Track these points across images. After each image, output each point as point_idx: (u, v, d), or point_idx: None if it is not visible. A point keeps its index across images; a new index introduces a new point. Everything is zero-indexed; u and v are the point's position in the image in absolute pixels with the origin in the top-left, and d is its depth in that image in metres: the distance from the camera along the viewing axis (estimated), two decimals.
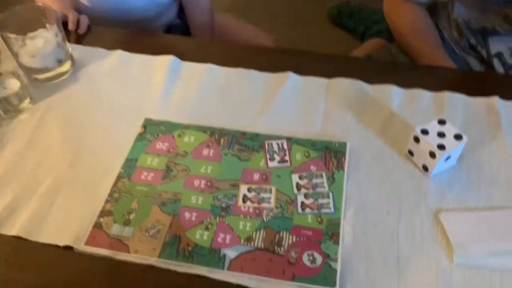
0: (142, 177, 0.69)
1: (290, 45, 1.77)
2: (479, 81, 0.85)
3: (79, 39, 0.92)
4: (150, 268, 0.60)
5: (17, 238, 0.63)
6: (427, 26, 1.03)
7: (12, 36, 0.78)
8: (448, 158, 0.66)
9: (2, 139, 0.75)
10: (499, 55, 0.98)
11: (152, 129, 0.75)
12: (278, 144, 0.73)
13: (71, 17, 0.93)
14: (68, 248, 0.61)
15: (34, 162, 0.72)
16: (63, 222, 0.64)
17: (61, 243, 0.61)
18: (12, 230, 0.63)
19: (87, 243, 0.61)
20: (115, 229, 0.63)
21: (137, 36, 0.95)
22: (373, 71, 0.85)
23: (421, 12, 1.02)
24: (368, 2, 1.81)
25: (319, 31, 1.86)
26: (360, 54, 1.28)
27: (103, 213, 0.65)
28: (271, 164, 0.70)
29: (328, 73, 0.84)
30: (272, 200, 0.66)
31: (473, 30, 0.98)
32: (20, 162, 0.72)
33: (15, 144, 0.74)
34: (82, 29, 0.93)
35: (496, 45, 0.96)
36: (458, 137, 0.65)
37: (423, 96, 0.79)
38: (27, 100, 0.80)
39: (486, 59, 0.99)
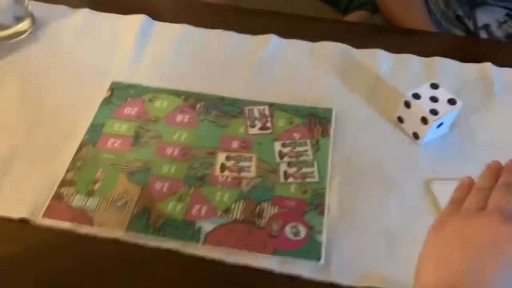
0: (109, 144, 0.62)
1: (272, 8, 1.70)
2: (469, 47, 0.81)
3: None
4: (117, 242, 0.54)
5: None
6: None
7: None
8: (440, 124, 0.62)
9: None
10: (486, 27, 0.94)
11: (120, 93, 0.68)
12: (259, 110, 0.67)
13: None
14: (25, 222, 0.55)
15: None
16: (19, 193, 0.57)
17: (16, 215, 0.55)
18: None
19: (46, 215, 0.55)
20: (77, 200, 0.56)
21: None
22: (360, 35, 0.80)
23: None
24: None
25: (300, 4, 1.79)
26: None
27: (64, 182, 0.58)
28: (251, 131, 0.65)
29: (313, 37, 0.78)
30: (253, 169, 0.60)
31: (460, 1, 0.93)
32: None
33: None
34: None
35: (483, 17, 0.93)
36: (452, 101, 0.61)
37: (413, 61, 0.75)
38: None
39: (472, 31, 0.95)
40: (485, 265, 0.36)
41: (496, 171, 0.43)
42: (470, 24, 0.94)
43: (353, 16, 1.57)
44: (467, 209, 0.41)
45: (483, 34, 0.94)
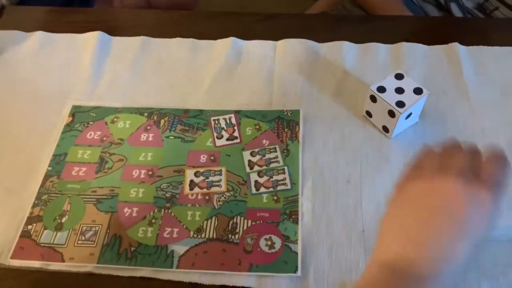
0: (73, 173, 0.60)
1: (237, 8, 1.66)
2: (436, 27, 0.79)
3: None
4: (89, 276, 0.52)
5: None
6: None
7: None
8: (409, 115, 0.60)
9: None
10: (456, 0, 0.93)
11: (81, 117, 0.66)
12: (225, 119, 0.65)
13: None
14: None
15: None
16: None
17: None
18: None
19: (14, 256, 0.54)
20: (45, 236, 0.55)
21: (59, 13, 0.84)
22: (324, 28, 0.78)
23: None
24: None
25: None
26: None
27: (31, 219, 0.56)
28: (219, 142, 0.63)
29: (276, 35, 0.76)
30: (223, 183, 0.59)
31: None
32: None
33: None
34: None
35: None
36: (418, 91, 0.60)
37: (379, 50, 0.73)
38: None
39: (443, 5, 0.94)
40: (445, 236, 0.35)
41: (454, 144, 0.41)
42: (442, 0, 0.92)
43: (323, 1, 1.55)
44: (429, 169, 0.39)
45: (454, 7, 0.92)
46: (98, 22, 0.79)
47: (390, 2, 0.95)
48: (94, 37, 0.76)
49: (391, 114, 0.59)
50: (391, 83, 0.60)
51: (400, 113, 0.58)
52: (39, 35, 0.78)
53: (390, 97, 0.59)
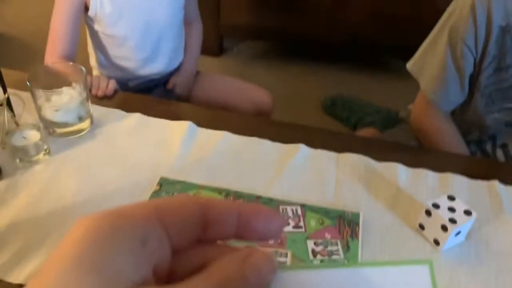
0: None
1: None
2: (479, 166, 0.90)
3: (100, 101, 0.96)
4: None
5: (22, 286, 0.60)
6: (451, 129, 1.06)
7: (39, 90, 0.81)
8: (458, 233, 0.68)
9: (15, 187, 0.75)
10: (503, 146, 1.06)
11: (167, 187, 0.76)
12: (292, 210, 0.74)
13: (102, 83, 0.97)
14: None
15: (46, 212, 0.71)
16: None
17: None
18: (19, 278, 0.61)
19: None
20: None
21: (155, 103, 0.99)
22: (379, 150, 0.90)
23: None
24: (360, 95, 1.95)
25: (312, 120, 1.95)
26: None
27: None
28: (286, 228, 0.71)
29: (336, 149, 0.88)
30: (288, 264, 0.65)
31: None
32: (32, 211, 0.71)
33: (28, 193, 0.74)
34: (110, 92, 0.97)
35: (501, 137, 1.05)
36: (467, 212, 0.68)
37: (428, 176, 0.84)
38: (44, 152, 0.81)
39: (489, 152, 1.06)
40: None
41: None
42: (489, 146, 1.05)
43: (363, 132, 1.72)
44: None
45: (499, 153, 1.04)
46: (187, 115, 0.93)
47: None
48: (184, 125, 0.89)
49: (444, 228, 0.67)
50: (444, 202, 0.70)
51: (452, 229, 0.66)
52: (137, 116, 0.92)
53: (444, 214, 0.68)
